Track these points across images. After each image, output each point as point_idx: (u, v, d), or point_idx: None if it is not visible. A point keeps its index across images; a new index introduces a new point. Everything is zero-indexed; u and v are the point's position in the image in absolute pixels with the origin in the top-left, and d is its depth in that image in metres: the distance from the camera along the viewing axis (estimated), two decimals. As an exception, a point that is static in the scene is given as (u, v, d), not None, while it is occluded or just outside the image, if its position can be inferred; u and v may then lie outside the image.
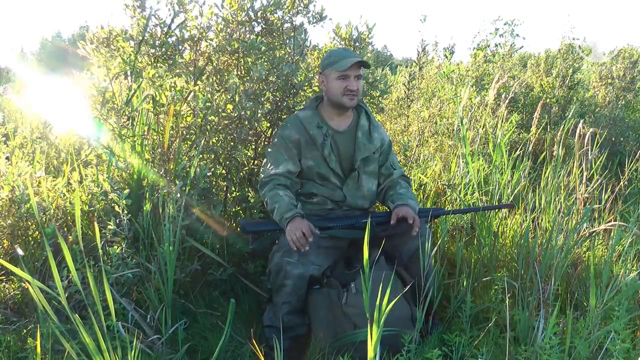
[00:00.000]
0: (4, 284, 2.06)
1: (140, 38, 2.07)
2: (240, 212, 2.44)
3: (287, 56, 2.40)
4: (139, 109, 2.11)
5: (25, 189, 2.02)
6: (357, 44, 2.52)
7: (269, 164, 2.04)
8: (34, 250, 2.08)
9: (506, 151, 2.95)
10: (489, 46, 5.21)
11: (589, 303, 1.76)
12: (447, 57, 4.37)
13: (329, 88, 2.00)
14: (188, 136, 2.23)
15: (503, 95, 3.75)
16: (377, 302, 1.28)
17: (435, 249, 2.01)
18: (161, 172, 2.10)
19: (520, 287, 1.90)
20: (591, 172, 2.64)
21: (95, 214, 2.07)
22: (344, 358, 1.63)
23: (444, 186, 2.94)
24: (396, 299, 1.40)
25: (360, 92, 2.02)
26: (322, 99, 2.11)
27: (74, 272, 1.25)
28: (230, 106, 2.20)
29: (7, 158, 2.30)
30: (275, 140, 2.07)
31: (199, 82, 2.24)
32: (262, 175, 2.05)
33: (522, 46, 5.36)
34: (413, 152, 3.39)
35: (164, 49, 2.13)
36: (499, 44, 5.19)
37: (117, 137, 2.10)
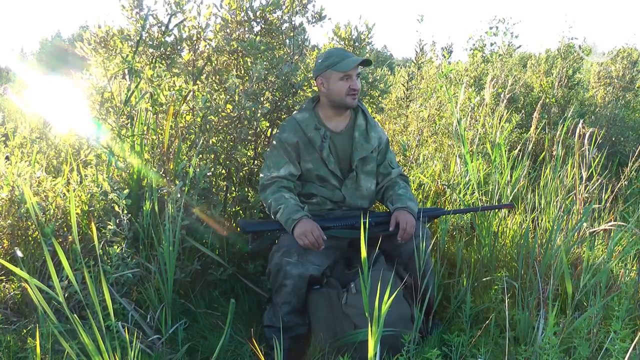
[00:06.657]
0: (4, 284, 2.06)
1: (138, 38, 2.07)
2: (240, 212, 2.44)
3: (286, 56, 2.40)
4: (138, 109, 2.11)
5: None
6: (356, 44, 2.52)
7: (270, 167, 2.03)
8: (33, 250, 2.08)
9: (506, 151, 2.95)
10: (485, 45, 5.21)
11: (589, 303, 1.76)
12: (445, 56, 4.37)
13: (332, 90, 1.98)
14: (188, 136, 2.23)
15: (502, 95, 3.75)
16: (377, 302, 1.28)
17: (431, 247, 2.00)
18: (161, 172, 2.10)
19: (520, 287, 1.90)
20: (590, 172, 2.64)
21: (95, 214, 2.07)
22: (344, 358, 1.63)
23: (444, 186, 2.94)
24: (393, 296, 1.40)
25: (359, 91, 2.01)
26: (319, 100, 2.10)
27: (70, 275, 1.25)
28: (229, 106, 2.20)
29: (6, 158, 2.30)
30: (274, 143, 2.06)
31: (198, 82, 2.24)
32: (263, 178, 2.04)
33: (520, 45, 5.36)
34: (412, 152, 3.39)
35: (162, 49, 2.13)
36: (495, 43, 5.19)
37: (117, 137, 2.10)
